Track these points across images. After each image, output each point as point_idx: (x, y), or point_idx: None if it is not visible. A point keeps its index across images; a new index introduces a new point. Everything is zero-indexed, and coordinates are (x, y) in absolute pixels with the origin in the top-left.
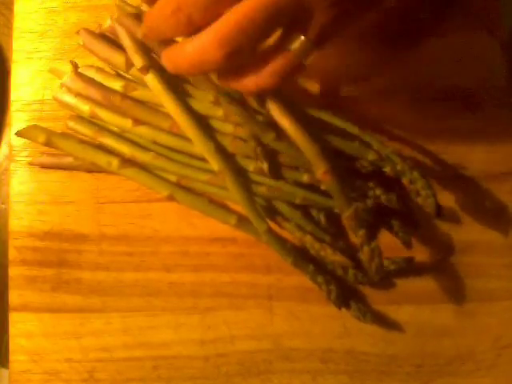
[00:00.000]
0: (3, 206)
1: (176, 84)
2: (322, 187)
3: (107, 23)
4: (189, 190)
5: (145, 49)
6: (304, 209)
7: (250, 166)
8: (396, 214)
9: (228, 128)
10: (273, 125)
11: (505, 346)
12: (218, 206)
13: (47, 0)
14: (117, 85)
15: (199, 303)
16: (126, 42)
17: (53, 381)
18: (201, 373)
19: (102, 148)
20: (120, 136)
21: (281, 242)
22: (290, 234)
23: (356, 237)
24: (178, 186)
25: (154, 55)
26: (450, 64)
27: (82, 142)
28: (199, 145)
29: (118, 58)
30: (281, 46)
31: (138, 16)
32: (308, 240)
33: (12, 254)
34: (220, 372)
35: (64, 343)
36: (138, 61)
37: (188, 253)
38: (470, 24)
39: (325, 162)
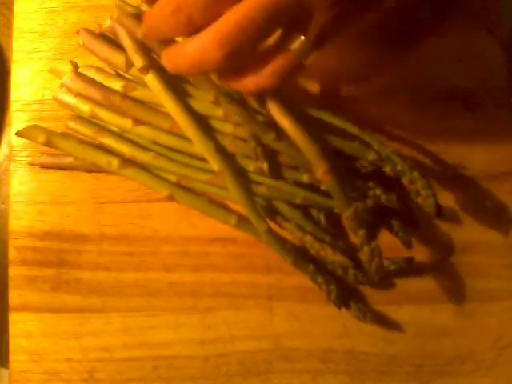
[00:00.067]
0: (3, 206)
1: (176, 84)
2: (322, 187)
3: (107, 23)
4: (189, 190)
5: (145, 49)
6: (304, 209)
7: (250, 166)
8: (396, 213)
9: (228, 128)
10: (273, 125)
11: (505, 346)
12: (218, 206)
13: (47, 0)
14: (117, 85)
15: (199, 303)
16: (126, 41)
17: (53, 381)
18: (201, 373)
19: (101, 148)
20: (120, 136)
21: (281, 241)
22: (290, 233)
23: (356, 237)
24: (178, 185)
25: (154, 55)
26: (450, 64)
27: (82, 142)
28: (199, 145)
29: (117, 58)
30: (281, 46)
31: (137, 16)
32: (308, 240)
33: (12, 254)
34: (220, 372)
35: (64, 343)
36: (137, 61)
37: (188, 253)
38: (470, 24)
39: (325, 161)
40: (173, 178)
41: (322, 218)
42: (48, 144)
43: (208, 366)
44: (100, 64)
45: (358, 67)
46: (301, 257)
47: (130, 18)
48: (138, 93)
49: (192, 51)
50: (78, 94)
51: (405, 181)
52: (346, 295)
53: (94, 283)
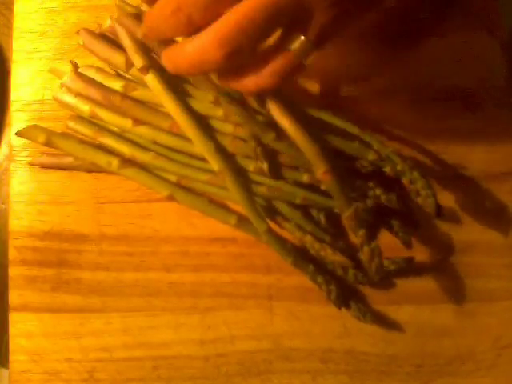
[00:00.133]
0: (3, 205)
1: (176, 84)
2: (322, 187)
3: (107, 23)
4: (189, 190)
5: (145, 49)
6: (304, 209)
7: (250, 166)
8: (396, 214)
9: (228, 128)
10: (273, 125)
11: (505, 346)
12: (218, 206)
13: (47, 0)
14: (117, 85)
15: (199, 303)
16: (126, 41)
17: (53, 381)
18: (201, 373)
19: (101, 148)
20: (120, 136)
21: (281, 241)
22: (289, 233)
23: (356, 237)
24: (178, 185)
25: (154, 55)
26: (450, 64)
27: (82, 141)
28: (199, 145)
29: (117, 58)
30: (281, 46)
31: (137, 16)
32: (308, 240)
33: (12, 254)
34: (220, 372)
35: (64, 343)
36: (137, 61)
37: (188, 253)
38: (470, 24)
39: (325, 162)
40: (173, 178)
41: (322, 218)
42: (48, 144)
43: (208, 366)
44: (100, 64)
45: (358, 67)
46: (301, 257)
47: (130, 17)
48: (138, 93)
49: (192, 51)
50: (78, 94)
51: (405, 181)
52: (346, 295)
53: (93, 283)
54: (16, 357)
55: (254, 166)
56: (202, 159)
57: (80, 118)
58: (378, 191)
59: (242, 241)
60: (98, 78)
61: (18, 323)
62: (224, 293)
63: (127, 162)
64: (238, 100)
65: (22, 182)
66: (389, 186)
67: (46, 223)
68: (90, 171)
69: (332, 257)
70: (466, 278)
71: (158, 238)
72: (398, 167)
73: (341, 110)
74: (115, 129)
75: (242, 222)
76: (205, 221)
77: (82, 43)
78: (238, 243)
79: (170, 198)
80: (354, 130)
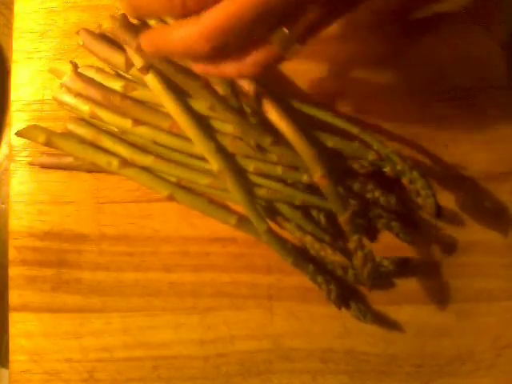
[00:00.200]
0: (3, 205)
1: (176, 84)
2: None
3: (107, 23)
4: (189, 190)
5: None
6: (304, 209)
7: (250, 167)
8: (396, 214)
9: (228, 128)
10: (270, 129)
11: (504, 346)
12: (218, 206)
13: (47, 0)
14: (117, 85)
15: (199, 303)
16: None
17: (53, 381)
18: (201, 373)
19: (102, 148)
20: (119, 139)
21: (281, 242)
22: (290, 234)
23: (350, 241)
24: (178, 185)
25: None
26: (450, 64)
27: (82, 141)
28: (199, 145)
29: (117, 58)
30: (264, 38)
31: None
32: (308, 240)
33: (12, 254)
34: (220, 372)
35: (64, 343)
36: (137, 61)
37: (188, 253)
38: (470, 24)
39: (321, 166)
40: (173, 179)
41: (322, 219)
42: (48, 144)
43: (208, 366)
44: (100, 64)
45: (372, 55)
46: (301, 257)
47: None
48: (138, 93)
49: (178, 39)
50: (77, 94)
51: (405, 181)
52: (346, 295)
53: (93, 283)
54: (16, 357)
55: (254, 167)
56: (203, 159)
57: (79, 120)
58: (377, 193)
59: (241, 241)
60: (98, 78)
61: (18, 323)
62: (224, 293)
63: (127, 162)
64: (233, 107)
65: (21, 182)
66: (388, 187)
67: (45, 223)
68: (90, 171)
69: (332, 257)
70: (466, 277)
71: (158, 238)
72: (398, 167)
73: (341, 110)
74: (115, 129)
75: (242, 222)
76: (205, 221)
77: (81, 43)
78: (238, 243)
79: (170, 198)
80: (354, 130)
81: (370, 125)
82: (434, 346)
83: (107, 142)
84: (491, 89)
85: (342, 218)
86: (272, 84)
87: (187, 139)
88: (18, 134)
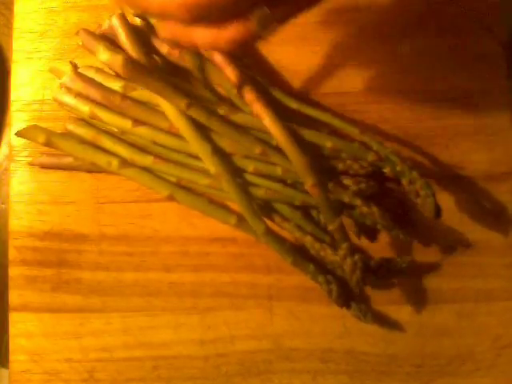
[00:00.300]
0: (3, 205)
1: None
2: None
3: (107, 23)
4: (189, 190)
5: (144, 49)
6: (304, 209)
7: (250, 167)
8: (396, 214)
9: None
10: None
11: (504, 346)
12: (218, 206)
13: (47, 0)
14: (116, 85)
15: (199, 303)
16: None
17: (53, 381)
18: (201, 373)
19: (101, 148)
20: (119, 139)
21: (280, 242)
22: (289, 233)
23: (340, 249)
24: (178, 186)
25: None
26: (450, 64)
27: (82, 142)
28: (196, 147)
29: (116, 61)
30: (243, 14)
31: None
32: (308, 240)
33: (12, 254)
34: (220, 372)
35: (64, 343)
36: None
37: (188, 253)
38: (470, 24)
39: (313, 175)
40: (173, 178)
41: (322, 219)
42: (48, 144)
43: (208, 366)
44: (100, 64)
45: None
46: (300, 256)
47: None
48: (137, 93)
49: (159, 3)
50: (77, 95)
51: (404, 181)
52: (347, 294)
53: (93, 283)
54: (16, 357)
55: (254, 167)
56: (202, 159)
57: (79, 120)
58: (365, 209)
59: (242, 241)
60: (98, 78)
61: (18, 323)
62: (224, 293)
63: (127, 162)
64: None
65: (21, 182)
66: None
67: (45, 223)
68: (90, 171)
69: (332, 257)
70: (466, 277)
71: (158, 238)
72: (398, 168)
73: (340, 111)
74: (115, 129)
75: (242, 222)
76: (205, 221)
77: (81, 43)
78: (238, 243)
79: (170, 198)
80: (353, 131)
81: (369, 125)
82: (434, 345)
83: (107, 142)
84: (491, 89)
85: (332, 227)
86: (270, 84)
87: (187, 139)
88: (18, 134)
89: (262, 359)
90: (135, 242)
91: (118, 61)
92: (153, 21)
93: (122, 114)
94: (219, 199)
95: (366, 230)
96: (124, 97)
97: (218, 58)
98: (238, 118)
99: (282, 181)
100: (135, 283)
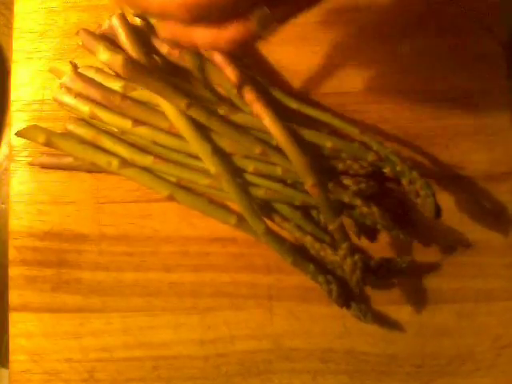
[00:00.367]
0: (3, 205)
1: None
2: None
3: (107, 23)
4: (189, 190)
5: (144, 49)
6: (304, 209)
7: (250, 167)
8: (396, 214)
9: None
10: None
11: (504, 346)
12: (218, 206)
13: (47, 0)
14: (116, 85)
15: (199, 303)
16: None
17: (53, 381)
18: (201, 373)
19: (101, 148)
20: (119, 139)
21: (280, 241)
22: (289, 233)
23: (339, 249)
24: (178, 186)
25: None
26: (450, 64)
27: (82, 142)
28: (196, 147)
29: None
30: (243, 14)
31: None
32: (308, 240)
33: (12, 254)
34: (220, 372)
35: (64, 343)
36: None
37: (188, 253)
38: (470, 24)
39: (313, 175)
40: (173, 178)
41: (322, 219)
42: (48, 144)
43: (208, 366)
44: (100, 64)
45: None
46: (300, 256)
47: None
48: (137, 93)
49: (159, 3)
50: (77, 95)
51: (404, 181)
52: (348, 294)
53: (93, 283)
54: (16, 357)
55: (254, 167)
56: (202, 159)
57: (79, 120)
58: (365, 209)
59: (242, 241)
60: (98, 78)
61: (18, 323)
62: (224, 293)
63: (127, 162)
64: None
65: (21, 182)
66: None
67: (45, 223)
68: (90, 171)
69: (332, 257)
70: (466, 277)
71: (158, 238)
72: (398, 168)
73: (340, 111)
74: (115, 129)
75: (242, 222)
76: (205, 221)
77: (81, 43)
78: (238, 243)
79: (170, 198)
80: (353, 131)
81: (369, 125)
82: (434, 345)
83: (107, 142)
84: (491, 89)
85: (332, 227)
86: (270, 84)
87: (187, 139)
88: (18, 134)
89: (262, 359)
90: (135, 241)
91: (117, 61)
92: (153, 21)
93: (122, 114)
94: (219, 199)
95: (366, 230)
96: (124, 97)
97: (218, 57)
98: (238, 117)
99: (281, 181)
100: (135, 283)
